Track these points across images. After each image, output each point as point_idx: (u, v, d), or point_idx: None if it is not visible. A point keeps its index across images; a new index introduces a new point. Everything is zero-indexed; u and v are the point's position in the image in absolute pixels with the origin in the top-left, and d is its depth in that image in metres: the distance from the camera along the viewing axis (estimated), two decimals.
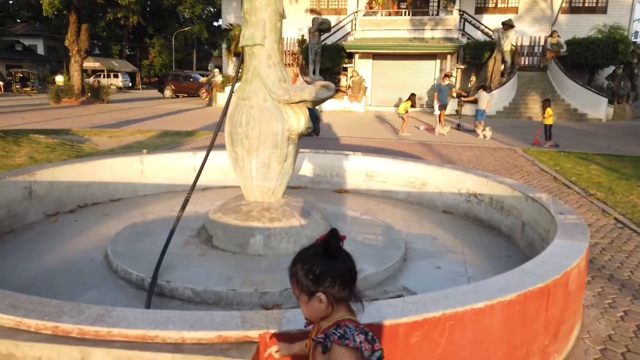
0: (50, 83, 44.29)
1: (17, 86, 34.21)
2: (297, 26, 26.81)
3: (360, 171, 5.88)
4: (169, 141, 10.55)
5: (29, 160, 7.67)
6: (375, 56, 25.40)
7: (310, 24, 23.84)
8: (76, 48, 24.09)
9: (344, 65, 25.80)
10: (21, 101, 25.44)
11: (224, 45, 28.46)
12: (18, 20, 47.41)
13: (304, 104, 3.74)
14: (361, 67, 25.47)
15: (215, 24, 61.87)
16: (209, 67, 29.87)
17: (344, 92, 26.24)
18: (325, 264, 1.25)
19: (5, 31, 40.66)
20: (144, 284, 3.05)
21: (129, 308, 1.94)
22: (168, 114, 19.64)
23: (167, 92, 34.40)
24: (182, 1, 53.01)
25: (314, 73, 24.47)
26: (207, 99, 31.22)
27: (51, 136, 10.30)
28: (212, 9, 58.47)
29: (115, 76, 45.93)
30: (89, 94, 25.16)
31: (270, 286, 2.98)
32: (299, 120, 3.71)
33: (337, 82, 26.66)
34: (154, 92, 36.85)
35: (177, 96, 34.38)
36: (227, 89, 24.83)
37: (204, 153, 5.89)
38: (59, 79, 27.76)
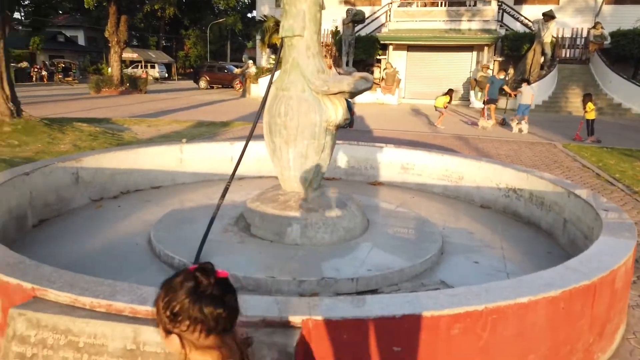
0: (90, 73, 45.75)
1: (60, 76, 35.42)
2: (331, 18, 26.68)
3: (395, 164, 5.85)
4: (205, 131, 10.74)
5: (73, 148, 7.97)
6: (410, 48, 25.05)
7: (345, 15, 23.72)
8: (115, 39, 24.73)
9: (378, 57, 25.57)
10: (63, 90, 26.31)
11: (257, 37, 28.65)
12: (60, 12, 48.97)
13: (341, 95, 3.74)
14: (395, 58, 25.18)
15: (249, 15, 62.29)
16: (242, 59, 30.17)
17: (377, 84, 26.04)
18: (187, 303, 1.01)
19: (48, 22, 42.15)
20: None
21: None
22: (203, 105, 19.97)
23: (202, 83, 34.95)
24: None
25: (347, 65, 24.36)
26: (240, 90, 31.60)
27: (93, 125, 10.65)
28: (246, 1, 58.86)
29: (152, 67, 46.91)
30: (128, 84, 25.81)
31: (308, 275, 3.02)
32: (337, 112, 3.72)
33: (370, 74, 26.50)
34: (189, 83, 37.48)
35: (212, 87, 34.88)
36: (261, 80, 25.02)
37: (240, 143, 6.01)
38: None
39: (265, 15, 25.87)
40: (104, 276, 2.96)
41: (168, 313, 1.02)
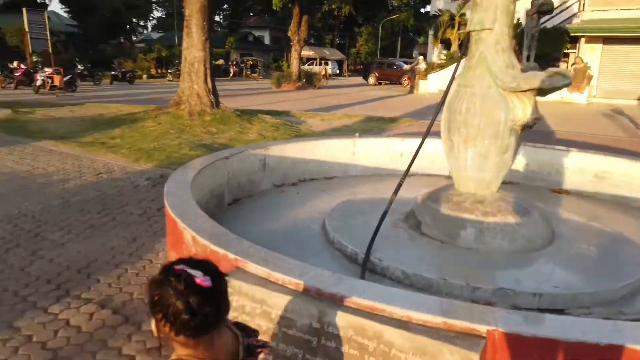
0: (272, 70, 50.30)
1: (248, 72, 39.69)
2: None
3: (587, 171, 5.17)
4: (374, 126, 10.96)
5: (259, 137, 8.87)
6: (606, 40, 21.86)
7: (528, 6, 21.75)
8: (297, 38, 26.72)
9: (565, 51, 22.90)
10: (250, 85, 29.41)
11: (430, 32, 28.11)
12: (251, 14, 54.72)
13: (531, 92, 3.44)
14: (587, 52, 22.26)
15: (422, 10, 61.53)
16: (413, 55, 29.93)
17: None
18: (162, 298, 1.02)
19: (242, 24, 47.56)
20: (357, 258, 3.25)
21: (357, 279, 2.07)
22: (371, 101, 20.41)
23: (371, 80, 35.69)
24: None
25: (527, 60, 22.36)
26: (407, 86, 31.46)
27: (275, 116, 11.70)
28: None
29: (326, 64, 49.49)
30: (304, 80, 27.71)
31: (483, 282, 2.85)
32: (525, 110, 3.43)
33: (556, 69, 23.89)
34: (359, 79, 38.63)
35: (380, 83, 35.44)
36: (430, 76, 24.53)
37: (411, 140, 6.00)
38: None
39: (439, 10, 25.21)
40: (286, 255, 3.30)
41: (149, 298, 1.04)
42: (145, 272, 3.26)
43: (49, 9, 38.69)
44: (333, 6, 49.89)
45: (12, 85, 20.60)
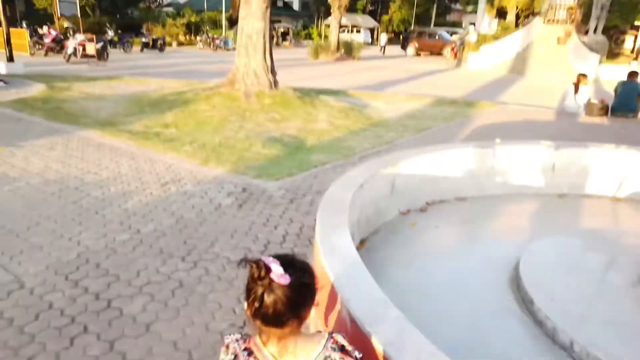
0: (302, 38, 48.36)
1: (279, 40, 37.95)
2: None
3: None
4: (452, 112, 9.54)
5: (330, 126, 7.59)
6: None
7: None
8: (337, 4, 24.88)
9: (637, 23, 20.73)
10: (284, 55, 27.79)
11: (482, 0, 25.92)
12: None
13: None
14: None
15: None
16: (462, 25, 27.83)
17: (632, 56, 21.26)
18: (249, 277, 1.13)
19: None
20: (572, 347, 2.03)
21: None
22: (421, 76, 18.77)
23: (410, 50, 33.69)
24: None
25: (594, 31, 20.32)
26: (452, 59, 29.42)
27: (334, 97, 10.36)
28: None
29: (358, 32, 47.28)
30: (343, 51, 26.02)
31: None
32: None
33: (618, 43, 21.78)
34: (393, 49, 36.55)
35: (419, 54, 33.41)
36: (483, 48, 22.60)
37: (566, 150, 4.66)
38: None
39: None
40: (457, 319, 2.18)
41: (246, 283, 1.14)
42: None
43: None
44: None
45: (42, 51, 19.56)
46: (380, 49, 34.63)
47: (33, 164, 4.91)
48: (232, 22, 40.19)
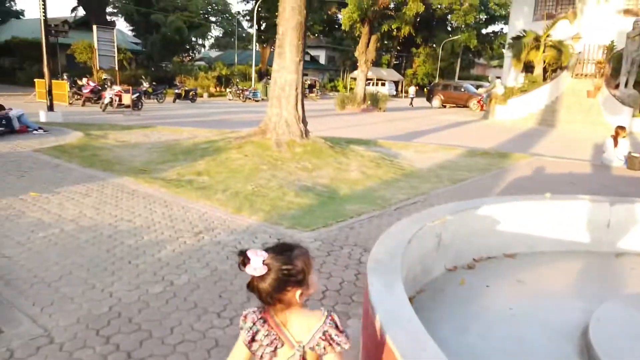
0: (329, 90, 49.54)
1: (306, 92, 38.90)
2: (603, 30, 22.57)
3: None
4: (486, 163, 9.32)
5: (362, 176, 7.47)
6: None
7: (631, 28, 19.57)
8: (364, 58, 25.50)
9: None
10: (311, 106, 28.28)
11: (507, 55, 26.19)
12: (314, 35, 54.43)
13: None
14: None
15: (483, 31, 59.34)
16: (489, 78, 28.09)
17: None
18: None
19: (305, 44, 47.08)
20: None
21: None
22: (448, 127, 18.74)
23: (435, 102, 34.03)
24: (455, 10, 52.33)
25: (625, 85, 20.08)
26: (478, 110, 29.50)
27: (364, 147, 10.32)
28: (483, 16, 56.08)
29: (383, 85, 48.23)
30: (369, 102, 26.40)
31: None
32: None
33: None
34: (417, 101, 37.00)
35: (444, 106, 33.67)
36: (511, 102, 22.58)
37: (622, 206, 4.39)
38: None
39: (523, 30, 23.28)
40: None
41: None
42: None
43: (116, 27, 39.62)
44: (393, 26, 48.75)
45: (80, 101, 20.43)
46: (410, 101, 35.34)
47: (68, 211, 4.89)
48: (261, 75, 41.67)
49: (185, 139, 10.37)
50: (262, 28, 45.73)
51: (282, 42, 8.73)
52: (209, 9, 60.29)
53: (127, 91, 18.35)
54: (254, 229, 4.66)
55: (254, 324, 1.43)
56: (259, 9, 37.93)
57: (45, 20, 12.35)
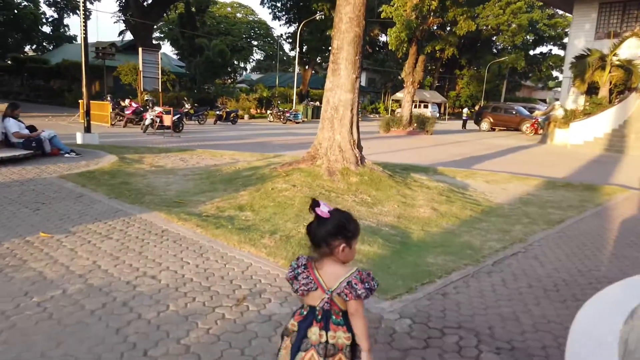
0: (369, 112, 48.54)
1: None
2: None
3: None
4: (577, 199, 7.83)
5: (433, 213, 6.20)
6: None
7: None
8: (411, 79, 24.34)
9: None
10: None
11: (566, 75, 24.39)
12: None
13: None
14: None
15: (531, 52, 57.16)
16: (547, 100, 26.39)
17: None
18: None
19: None
20: None
21: None
22: (506, 152, 17.16)
23: (484, 125, 32.34)
24: (503, 31, 50.65)
25: None
26: (531, 134, 27.64)
27: (426, 175, 9.05)
28: (531, 37, 54.02)
29: (425, 107, 46.81)
30: (415, 125, 25.11)
31: None
32: None
33: None
34: (460, 123, 35.37)
35: (493, 129, 31.91)
36: (573, 125, 20.74)
37: None
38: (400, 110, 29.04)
39: (589, 49, 21.53)
40: None
41: None
42: None
43: (161, 51, 40.24)
44: (437, 47, 47.47)
45: (122, 123, 20.15)
46: (462, 124, 34.24)
47: (79, 260, 3.87)
48: (302, 97, 41.14)
49: (226, 164, 9.42)
50: (303, 50, 45.43)
51: (336, 57, 7.68)
52: (252, 33, 61.05)
53: (168, 112, 17.85)
54: None
55: (298, 267, 1.82)
56: (302, 31, 37.60)
57: (85, 40, 11.88)
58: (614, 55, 20.73)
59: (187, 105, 24.44)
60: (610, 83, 21.12)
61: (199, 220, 5.13)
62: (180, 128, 18.41)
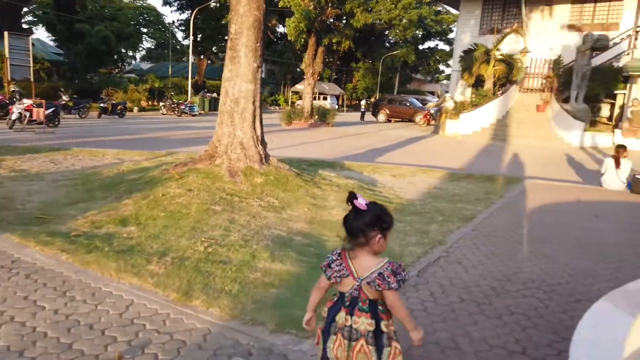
0: (268, 104, 47.68)
1: None
2: (549, 45, 22.66)
3: None
4: (481, 191, 7.89)
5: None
6: None
7: (576, 43, 19.55)
8: (311, 71, 24.04)
9: (617, 92, 20.62)
10: None
11: (456, 68, 25.76)
12: None
13: None
14: None
15: (420, 47, 60.28)
16: (438, 92, 27.64)
17: (608, 124, 21.04)
18: None
19: None
20: None
21: None
22: (403, 143, 17.54)
23: (381, 117, 33.26)
24: (395, 25, 52.64)
25: (575, 100, 19.97)
26: (424, 125, 28.87)
27: (333, 171, 8.62)
28: (420, 32, 56.92)
29: (325, 99, 47.22)
30: (317, 117, 24.90)
31: None
32: None
33: (595, 111, 21.62)
34: (357, 115, 36.20)
35: (389, 121, 32.96)
36: (463, 116, 21.90)
37: None
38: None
39: (474, 44, 22.82)
40: None
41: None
42: None
43: (34, 36, 35.51)
44: (334, 40, 47.96)
45: None
46: (361, 115, 34.78)
47: None
48: (197, 88, 39.06)
49: (108, 166, 8.14)
50: (198, 39, 43.18)
51: (235, 44, 6.86)
52: (141, 20, 56.68)
53: (39, 105, 15.53)
54: (216, 338, 2.74)
55: (332, 255, 1.92)
56: (195, 18, 35.52)
57: None
58: (496, 50, 22.21)
59: (64, 97, 21.72)
60: (495, 76, 22.63)
61: (65, 243, 4.08)
62: (56, 123, 16.18)
